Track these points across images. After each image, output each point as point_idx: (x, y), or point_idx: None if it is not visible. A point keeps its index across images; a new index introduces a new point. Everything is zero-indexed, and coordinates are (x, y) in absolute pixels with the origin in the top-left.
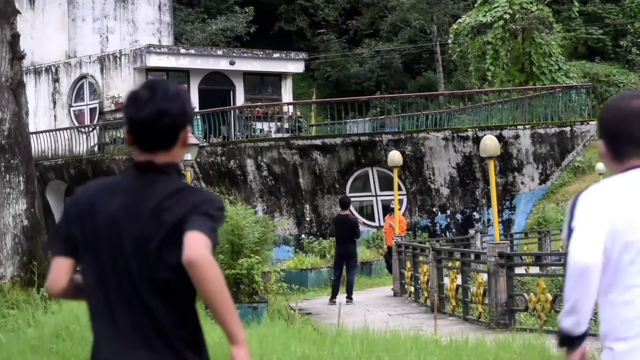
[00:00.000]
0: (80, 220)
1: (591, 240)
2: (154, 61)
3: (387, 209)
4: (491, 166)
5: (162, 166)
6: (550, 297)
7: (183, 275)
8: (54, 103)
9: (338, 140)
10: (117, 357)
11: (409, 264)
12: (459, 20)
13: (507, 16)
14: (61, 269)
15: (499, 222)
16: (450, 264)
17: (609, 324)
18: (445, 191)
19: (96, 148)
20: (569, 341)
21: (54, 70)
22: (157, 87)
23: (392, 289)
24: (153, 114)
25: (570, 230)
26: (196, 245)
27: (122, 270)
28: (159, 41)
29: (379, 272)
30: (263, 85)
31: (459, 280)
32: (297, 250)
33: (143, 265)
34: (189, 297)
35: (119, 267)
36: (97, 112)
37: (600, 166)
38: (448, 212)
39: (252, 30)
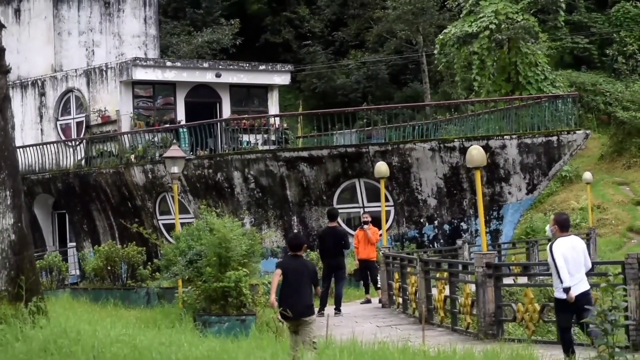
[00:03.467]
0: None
1: (561, 258)
2: (140, 74)
3: (373, 221)
4: (478, 176)
5: None
6: (538, 307)
7: None
8: (41, 117)
9: (325, 152)
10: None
11: (397, 275)
12: (445, 30)
13: (492, 26)
14: None
15: (487, 233)
16: (438, 275)
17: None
18: (432, 202)
19: (83, 162)
20: (568, 290)
21: (40, 84)
22: None
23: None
24: None
25: (553, 258)
26: None
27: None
28: (145, 54)
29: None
30: (249, 97)
31: (447, 291)
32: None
33: None
34: None
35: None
36: (84, 125)
37: (587, 176)
38: (435, 222)
39: (238, 43)
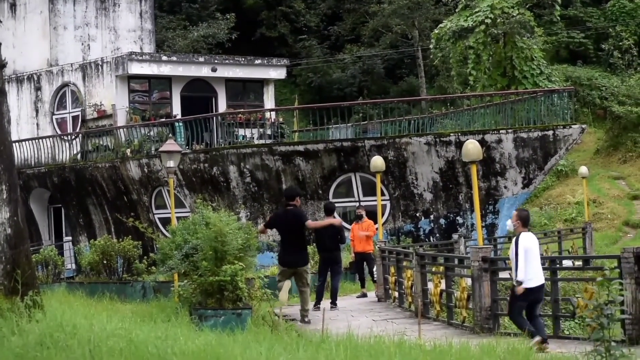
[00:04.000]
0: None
1: (523, 252)
2: (136, 69)
3: (369, 215)
4: (473, 171)
5: None
6: None
7: None
8: (37, 111)
9: (321, 146)
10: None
11: (392, 269)
12: (441, 25)
13: (488, 20)
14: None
15: (483, 227)
16: (434, 269)
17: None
18: (428, 196)
19: (79, 156)
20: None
21: (36, 79)
22: None
23: (376, 294)
24: None
25: (517, 248)
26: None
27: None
28: (141, 49)
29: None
30: (245, 91)
31: (442, 285)
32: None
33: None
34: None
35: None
36: (80, 120)
37: (583, 170)
38: (431, 217)
39: (233, 37)
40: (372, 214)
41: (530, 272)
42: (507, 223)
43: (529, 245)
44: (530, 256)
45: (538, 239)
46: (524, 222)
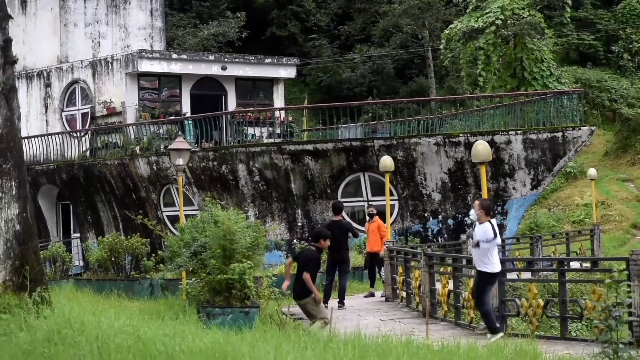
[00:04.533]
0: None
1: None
2: (145, 66)
3: (372, 216)
4: (483, 171)
5: None
6: (542, 302)
7: None
8: (46, 108)
9: (330, 146)
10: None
11: (400, 269)
12: (451, 25)
13: (498, 22)
14: None
15: None
16: (442, 269)
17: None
18: (437, 196)
19: (88, 153)
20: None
21: (45, 75)
22: None
23: (383, 294)
24: None
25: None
26: None
27: None
28: (151, 46)
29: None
30: (255, 90)
31: (450, 286)
32: (288, 255)
33: None
34: None
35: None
36: (89, 117)
37: (592, 172)
38: (440, 217)
39: (243, 36)
40: (380, 214)
41: (493, 259)
42: (470, 212)
43: (492, 234)
44: (493, 244)
45: (545, 240)
46: (487, 211)
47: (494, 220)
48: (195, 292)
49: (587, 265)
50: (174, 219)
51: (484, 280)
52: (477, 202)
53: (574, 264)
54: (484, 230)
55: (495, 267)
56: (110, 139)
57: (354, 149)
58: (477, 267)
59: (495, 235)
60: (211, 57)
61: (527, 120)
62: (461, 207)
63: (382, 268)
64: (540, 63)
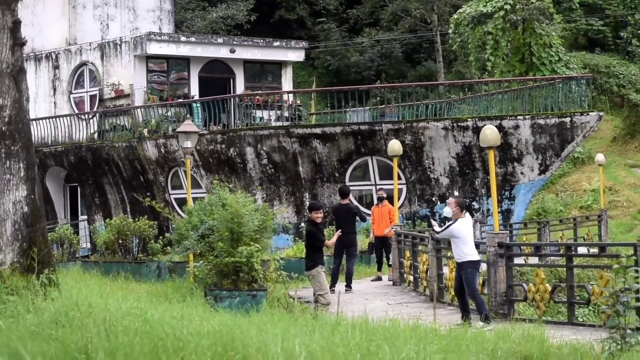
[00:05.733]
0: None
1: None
2: (154, 49)
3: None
4: (491, 156)
5: None
6: (549, 287)
7: None
8: (54, 90)
9: (338, 129)
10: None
11: (408, 253)
12: (460, 10)
13: (507, 7)
14: None
15: (498, 212)
16: (449, 254)
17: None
18: (444, 181)
19: (96, 135)
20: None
21: (54, 57)
22: None
23: (390, 278)
24: None
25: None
26: None
27: None
28: (160, 29)
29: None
30: (263, 73)
31: None
32: (296, 238)
33: None
34: None
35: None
36: (97, 99)
37: (599, 157)
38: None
39: (252, 19)
40: (388, 198)
41: (472, 249)
42: (445, 209)
43: (468, 228)
44: (470, 236)
45: (553, 225)
46: (462, 208)
47: (468, 216)
48: (202, 275)
49: (594, 250)
50: (182, 202)
51: (469, 269)
52: (452, 200)
53: (582, 250)
54: (458, 228)
55: (475, 256)
56: (118, 122)
57: (362, 132)
58: (458, 260)
59: (470, 230)
60: (220, 40)
61: (535, 105)
62: (469, 191)
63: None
64: (548, 48)
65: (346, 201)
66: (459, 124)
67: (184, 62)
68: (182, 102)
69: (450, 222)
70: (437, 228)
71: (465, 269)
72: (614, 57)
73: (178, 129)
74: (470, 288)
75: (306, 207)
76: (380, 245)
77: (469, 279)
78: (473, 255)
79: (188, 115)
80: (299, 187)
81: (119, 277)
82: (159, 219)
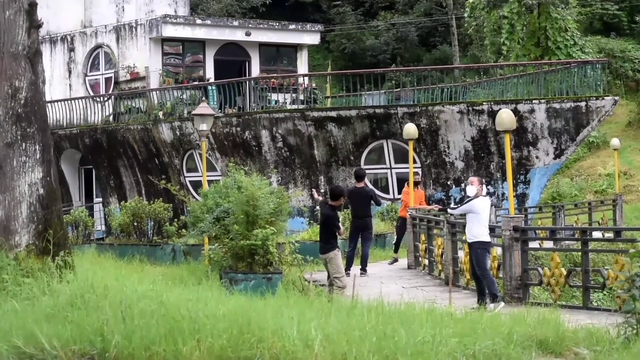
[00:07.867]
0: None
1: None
2: (169, 31)
3: (400, 182)
4: (507, 140)
5: None
6: (564, 271)
7: None
8: (69, 72)
9: (353, 113)
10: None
11: (423, 237)
12: None
13: None
14: None
15: (514, 196)
16: (464, 238)
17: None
18: (460, 164)
19: (111, 118)
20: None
21: (69, 40)
22: None
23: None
24: None
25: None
26: None
27: None
28: (175, 11)
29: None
30: (278, 56)
31: None
32: (311, 221)
33: None
34: None
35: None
36: (112, 81)
37: (615, 142)
38: (462, 185)
39: (267, 2)
40: (403, 182)
41: (483, 230)
42: (467, 188)
43: (486, 207)
44: (486, 216)
45: (568, 209)
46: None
47: (488, 197)
48: (217, 258)
49: (609, 235)
50: (197, 185)
51: (479, 250)
52: (475, 178)
53: (596, 234)
54: (478, 204)
55: (486, 237)
56: (133, 104)
57: (378, 116)
58: (469, 241)
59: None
60: (235, 23)
61: (551, 90)
62: (484, 175)
63: None
64: (564, 32)
65: (361, 184)
66: (474, 107)
67: (200, 44)
68: (198, 85)
69: (471, 197)
70: (452, 205)
71: (475, 250)
72: (629, 42)
73: (193, 112)
74: (480, 268)
75: (321, 192)
76: (403, 227)
77: (479, 259)
78: (483, 236)
79: (203, 98)
80: (314, 170)
81: (134, 260)
82: (174, 202)
